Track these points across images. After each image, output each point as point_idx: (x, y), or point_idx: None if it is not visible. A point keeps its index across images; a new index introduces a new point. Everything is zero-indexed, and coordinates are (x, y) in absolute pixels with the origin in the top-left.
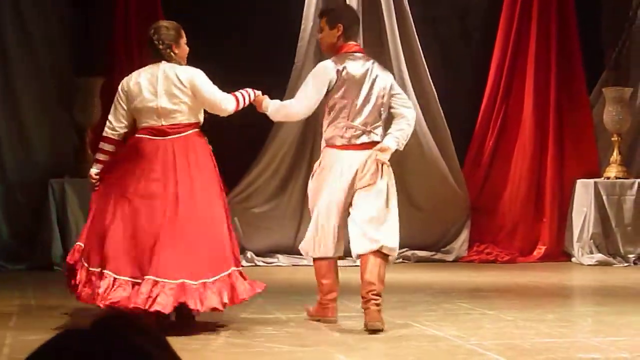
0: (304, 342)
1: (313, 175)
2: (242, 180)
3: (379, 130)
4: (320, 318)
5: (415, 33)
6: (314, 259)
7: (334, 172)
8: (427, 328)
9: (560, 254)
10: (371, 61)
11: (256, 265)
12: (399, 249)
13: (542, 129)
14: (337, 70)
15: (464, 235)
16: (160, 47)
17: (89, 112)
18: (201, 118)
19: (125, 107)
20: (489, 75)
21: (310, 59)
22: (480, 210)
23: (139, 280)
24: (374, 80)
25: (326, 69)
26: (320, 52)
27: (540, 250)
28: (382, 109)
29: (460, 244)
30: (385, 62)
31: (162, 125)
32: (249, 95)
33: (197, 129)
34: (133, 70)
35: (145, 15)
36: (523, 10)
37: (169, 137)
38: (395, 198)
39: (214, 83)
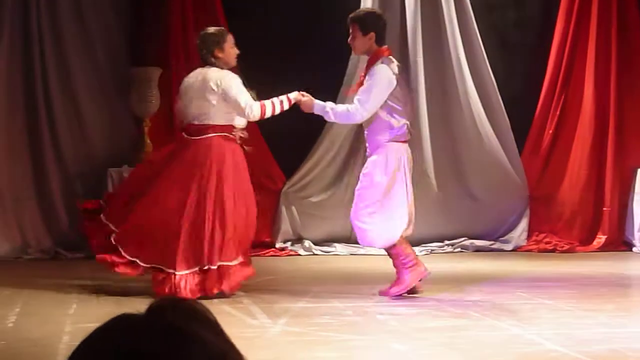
0: (360, 330)
1: (384, 170)
2: (299, 170)
3: None
4: (418, 280)
5: (474, 20)
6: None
7: (400, 164)
8: (485, 318)
9: (620, 243)
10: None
11: (314, 254)
12: (458, 239)
13: (602, 116)
14: (396, 76)
15: (523, 224)
16: (203, 52)
17: (147, 102)
18: (232, 120)
19: (181, 103)
20: (548, 62)
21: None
22: (539, 199)
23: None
24: (406, 80)
25: (390, 78)
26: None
27: (600, 239)
28: None
29: (519, 234)
30: (444, 50)
31: (193, 124)
32: (283, 102)
33: (222, 132)
34: (190, 60)
35: (202, 5)
36: None
37: (196, 137)
38: None
39: (267, 76)
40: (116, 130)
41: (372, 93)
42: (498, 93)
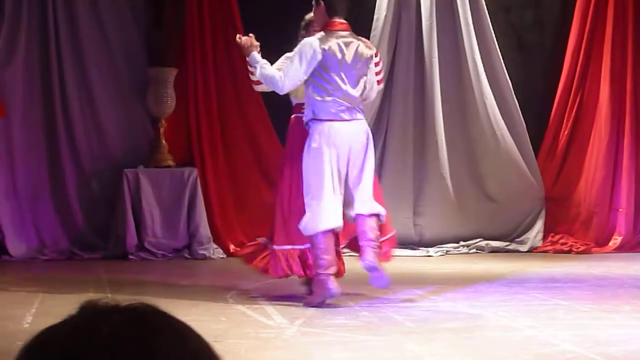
0: (376, 331)
1: (308, 150)
2: None
3: (359, 110)
4: (322, 299)
5: (490, 22)
6: (318, 234)
7: (329, 146)
8: (500, 318)
9: (636, 244)
10: (356, 40)
11: None
12: (473, 239)
13: (619, 117)
14: (323, 50)
15: (539, 225)
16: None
17: (162, 102)
18: (296, 99)
19: None
20: (564, 63)
21: (383, 48)
22: (555, 200)
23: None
24: (357, 59)
25: (314, 50)
26: (395, 40)
27: (616, 240)
28: (364, 86)
29: (534, 234)
30: (460, 52)
31: None
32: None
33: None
34: (205, 60)
35: (218, 6)
36: None
37: None
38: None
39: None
40: (132, 131)
41: (293, 64)
42: (513, 94)
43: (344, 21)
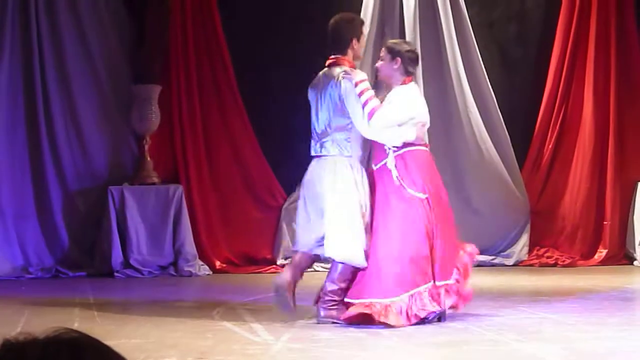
0: (362, 346)
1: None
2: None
3: (328, 145)
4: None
5: (473, 36)
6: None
7: (306, 181)
8: (487, 332)
9: (621, 257)
10: (328, 76)
11: (316, 271)
12: None
13: (602, 130)
14: (309, 88)
15: (524, 239)
16: None
17: (147, 119)
18: None
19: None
20: (547, 77)
21: (367, 62)
22: (540, 213)
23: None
24: (325, 88)
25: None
26: (379, 54)
27: (601, 253)
28: (328, 121)
29: (520, 248)
30: (443, 66)
31: None
32: None
33: None
34: (190, 77)
35: (201, 22)
36: (582, 10)
37: None
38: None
39: (261, 88)
40: (117, 148)
41: None
42: (498, 108)
43: (333, 56)
